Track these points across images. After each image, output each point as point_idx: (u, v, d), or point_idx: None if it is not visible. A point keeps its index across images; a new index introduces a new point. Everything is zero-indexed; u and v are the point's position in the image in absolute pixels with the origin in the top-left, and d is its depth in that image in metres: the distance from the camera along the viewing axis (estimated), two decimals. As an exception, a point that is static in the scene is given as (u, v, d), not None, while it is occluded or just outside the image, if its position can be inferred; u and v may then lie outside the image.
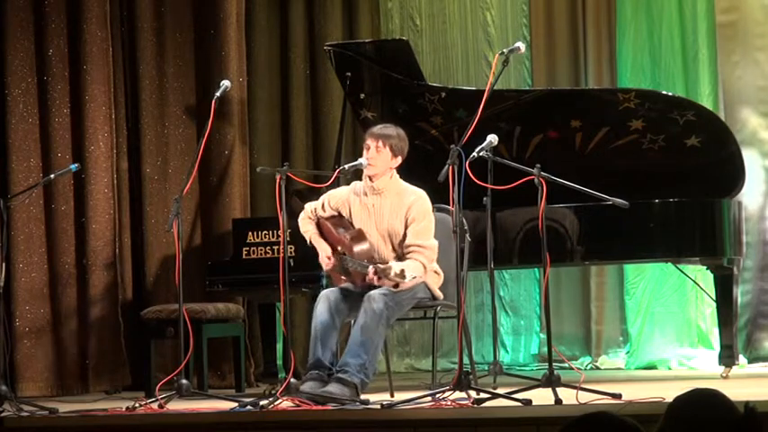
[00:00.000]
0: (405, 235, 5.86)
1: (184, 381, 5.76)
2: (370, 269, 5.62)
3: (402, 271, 5.49)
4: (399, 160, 5.94)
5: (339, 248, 5.93)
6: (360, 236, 5.87)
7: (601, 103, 6.99)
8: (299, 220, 6.09)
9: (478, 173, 5.58)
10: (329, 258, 5.92)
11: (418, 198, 5.91)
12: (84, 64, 7.51)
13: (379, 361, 6.65)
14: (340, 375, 5.56)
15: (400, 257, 5.83)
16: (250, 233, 6.90)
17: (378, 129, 5.96)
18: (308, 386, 5.51)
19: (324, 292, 5.83)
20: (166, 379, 5.92)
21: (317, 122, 8.51)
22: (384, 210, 5.92)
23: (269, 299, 6.91)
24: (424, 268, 5.79)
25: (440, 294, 5.99)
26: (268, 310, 7.14)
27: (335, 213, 6.05)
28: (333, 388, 5.52)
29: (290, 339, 5.63)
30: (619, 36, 8.33)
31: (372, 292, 5.72)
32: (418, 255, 5.79)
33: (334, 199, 6.06)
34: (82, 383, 7.40)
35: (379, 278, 5.60)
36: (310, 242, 6.07)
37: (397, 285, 5.69)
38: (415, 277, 5.61)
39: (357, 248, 5.81)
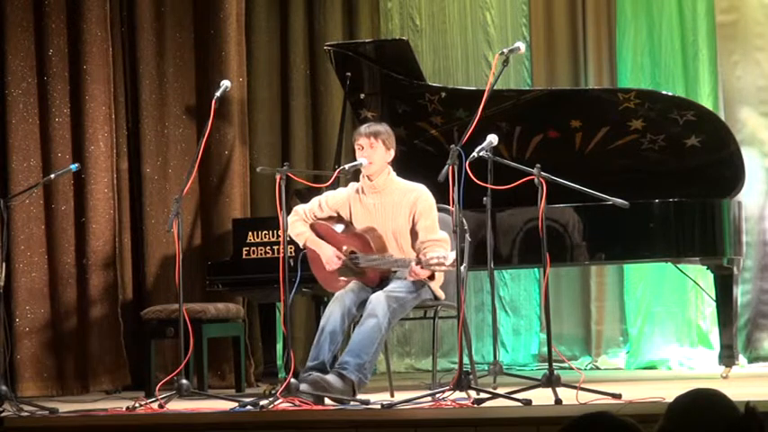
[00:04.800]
0: (412, 231, 5.88)
1: (184, 381, 5.76)
2: (413, 263, 5.63)
3: (444, 256, 5.49)
4: (392, 153, 5.98)
5: (345, 248, 5.92)
6: (370, 229, 5.88)
7: (601, 103, 6.99)
8: (290, 223, 5.94)
9: (478, 173, 5.58)
10: (339, 258, 5.90)
11: (422, 193, 5.93)
12: (84, 64, 7.52)
13: (378, 361, 6.65)
14: (339, 371, 5.58)
15: (398, 250, 5.85)
16: (250, 233, 6.89)
17: (365, 128, 6.00)
18: (304, 387, 5.51)
19: (338, 294, 5.82)
20: (166, 379, 5.92)
21: (317, 122, 8.51)
22: (386, 208, 5.93)
23: (269, 299, 6.91)
24: None
25: (441, 294, 6.00)
26: (268, 310, 7.14)
27: (334, 214, 6.04)
28: (332, 379, 5.54)
29: (290, 339, 5.63)
30: (619, 36, 8.33)
31: (377, 293, 5.73)
32: (438, 248, 5.79)
33: (332, 199, 6.05)
34: (82, 383, 7.40)
35: (422, 267, 5.61)
36: (305, 245, 6.03)
37: (433, 276, 5.73)
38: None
39: (373, 241, 5.82)
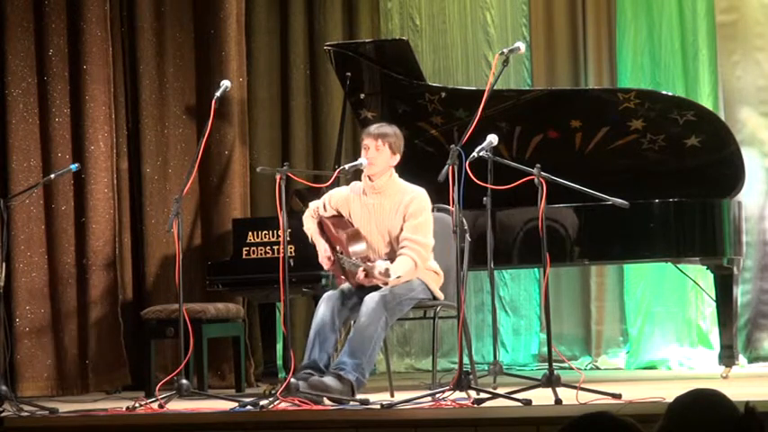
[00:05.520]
0: (402, 230, 5.88)
1: (184, 381, 5.76)
2: (360, 269, 5.63)
3: (386, 270, 5.51)
4: (398, 158, 5.97)
5: (338, 248, 5.94)
6: (356, 235, 5.87)
7: (601, 103, 6.99)
8: (303, 217, 6.13)
9: (478, 173, 5.58)
10: (329, 259, 5.93)
11: (417, 195, 5.93)
12: (84, 64, 7.52)
13: (378, 361, 6.65)
14: (336, 372, 5.58)
15: (394, 252, 5.85)
16: (250, 233, 6.89)
17: (374, 128, 5.99)
18: (302, 386, 5.51)
19: (327, 294, 5.85)
20: (166, 379, 5.92)
21: (316, 122, 8.51)
22: (384, 209, 5.93)
23: (269, 299, 6.92)
24: (414, 265, 5.79)
25: (440, 295, 6.00)
26: (268, 310, 7.15)
27: (336, 213, 6.06)
28: (329, 381, 5.54)
29: (290, 339, 5.63)
30: (619, 36, 8.32)
31: (373, 293, 5.73)
32: (410, 251, 5.79)
33: (335, 198, 6.08)
34: (82, 383, 7.40)
35: (366, 276, 5.62)
36: (311, 240, 6.09)
37: (386, 282, 5.71)
38: (399, 276, 5.65)
39: (353, 248, 5.82)
